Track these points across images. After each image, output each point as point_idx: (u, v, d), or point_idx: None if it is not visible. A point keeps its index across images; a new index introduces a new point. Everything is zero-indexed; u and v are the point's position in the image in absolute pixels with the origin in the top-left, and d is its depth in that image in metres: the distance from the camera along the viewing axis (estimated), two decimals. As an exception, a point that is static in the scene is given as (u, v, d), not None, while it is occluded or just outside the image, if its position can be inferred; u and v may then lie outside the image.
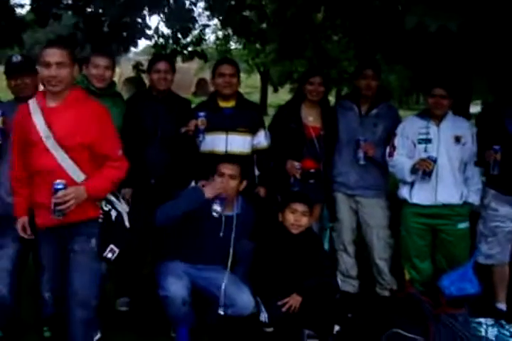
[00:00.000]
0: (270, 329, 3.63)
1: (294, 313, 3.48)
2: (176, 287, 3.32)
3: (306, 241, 3.62)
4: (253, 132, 3.99)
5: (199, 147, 3.88)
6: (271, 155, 4.08)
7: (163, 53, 7.22)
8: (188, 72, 27.96)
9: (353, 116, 4.17)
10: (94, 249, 3.02)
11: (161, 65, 3.94)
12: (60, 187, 2.74)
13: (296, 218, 3.57)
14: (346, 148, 4.13)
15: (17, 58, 3.42)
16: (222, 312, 3.44)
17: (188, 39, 7.66)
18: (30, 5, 6.26)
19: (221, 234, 3.55)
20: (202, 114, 3.75)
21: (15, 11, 6.57)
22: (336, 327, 3.57)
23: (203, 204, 3.38)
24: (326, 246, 4.35)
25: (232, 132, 3.89)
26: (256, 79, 31.06)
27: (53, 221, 2.86)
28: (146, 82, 4.44)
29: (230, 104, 3.98)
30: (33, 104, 2.95)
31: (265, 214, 3.80)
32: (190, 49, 7.68)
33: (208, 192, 3.40)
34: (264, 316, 3.49)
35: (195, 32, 7.97)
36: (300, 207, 3.59)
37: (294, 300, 3.49)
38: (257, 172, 4.13)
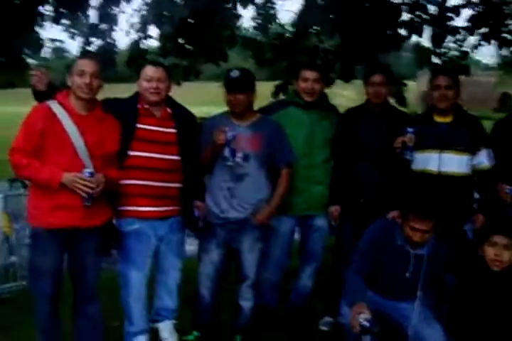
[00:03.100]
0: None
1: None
2: None
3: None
4: (472, 151, 3.56)
5: (410, 165, 3.60)
6: (494, 178, 3.58)
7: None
8: (485, 85, 25.95)
9: None
10: None
11: (376, 78, 3.79)
12: (92, 172, 2.91)
13: (497, 252, 3.03)
14: None
15: (235, 74, 3.43)
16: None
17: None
18: None
19: (407, 275, 3.21)
20: (410, 129, 3.47)
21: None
22: None
23: None
24: None
25: (446, 150, 3.52)
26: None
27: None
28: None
29: (447, 119, 3.61)
30: (56, 108, 2.98)
31: (466, 247, 3.35)
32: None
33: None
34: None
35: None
36: (501, 240, 3.03)
37: None
38: (476, 196, 3.67)
